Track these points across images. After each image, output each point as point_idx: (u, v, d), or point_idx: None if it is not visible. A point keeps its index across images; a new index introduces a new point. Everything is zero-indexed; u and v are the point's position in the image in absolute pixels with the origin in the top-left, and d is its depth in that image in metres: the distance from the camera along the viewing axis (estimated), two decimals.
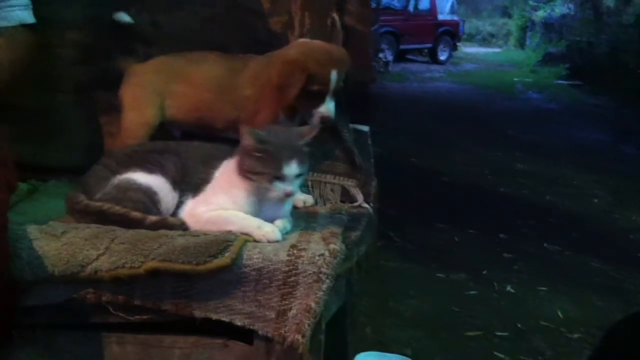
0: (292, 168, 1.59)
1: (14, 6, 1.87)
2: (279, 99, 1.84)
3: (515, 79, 12.90)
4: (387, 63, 12.57)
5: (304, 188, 1.98)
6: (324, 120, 1.81)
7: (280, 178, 1.59)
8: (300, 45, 1.89)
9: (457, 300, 3.04)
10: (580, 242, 4.00)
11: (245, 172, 1.61)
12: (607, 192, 5.20)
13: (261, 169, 1.59)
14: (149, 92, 1.97)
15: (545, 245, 3.89)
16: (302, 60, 1.82)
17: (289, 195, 1.62)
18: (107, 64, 2.09)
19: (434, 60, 15.44)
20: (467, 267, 3.40)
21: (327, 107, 1.81)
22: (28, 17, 1.90)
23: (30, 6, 1.92)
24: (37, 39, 1.94)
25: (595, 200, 5.01)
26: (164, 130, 1.99)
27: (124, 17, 2.03)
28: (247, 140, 1.59)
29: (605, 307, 3.08)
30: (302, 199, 1.94)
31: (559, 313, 2.94)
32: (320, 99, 1.82)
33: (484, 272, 3.37)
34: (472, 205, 4.69)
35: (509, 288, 3.21)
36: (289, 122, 1.87)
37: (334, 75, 1.80)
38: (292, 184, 1.61)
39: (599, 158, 6.49)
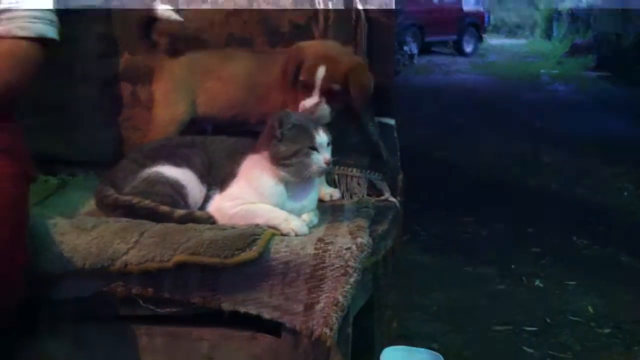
0: (322, 136, 1.63)
1: (38, 18, 1.76)
2: (293, 91, 1.85)
3: (541, 71, 12.76)
4: (412, 56, 12.53)
5: (330, 181, 1.99)
6: (318, 107, 1.81)
7: (315, 148, 1.62)
8: (314, 40, 1.92)
9: (484, 294, 3.02)
10: (609, 235, 3.94)
11: (280, 159, 1.62)
12: (636, 185, 5.12)
13: (295, 148, 1.61)
14: (181, 88, 1.98)
15: (573, 238, 3.85)
16: (301, 49, 1.83)
17: (328, 164, 1.64)
18: (132, 58, 2.11)
19: (459, 52, 15.33)
20: (494, 261, 3.38)
21: (312, 102, 1.81)
22: (50, 32, 1.78)
23: (56, 24, 1.81)
24: (64, 70, 1.92)
25: (624, 194, 4.94)
26: (196, 124, 2.00)
27: (167, 12, 1.99)
28: (273, 126, 1.61)
29: (635, 302, 3.04)
30: (329, 192, 1.94)
31: (589, 308, 2.91)
32: (307, 92, 1.82)
33: (512, 266, 3.35)
34: (499, 198, 4.65)
35: (537, 282, 3.18)
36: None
37: (321, 70, 1.79)
38: (327, 152, 1.64)
39: (627, 150, 6.39)
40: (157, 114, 2.00)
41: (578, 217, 4.27)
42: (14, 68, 1.72)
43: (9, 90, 1.70)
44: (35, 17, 1.76)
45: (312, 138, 1.63)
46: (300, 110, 1.81)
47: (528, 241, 3.76)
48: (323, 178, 1.90)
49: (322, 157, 1.63)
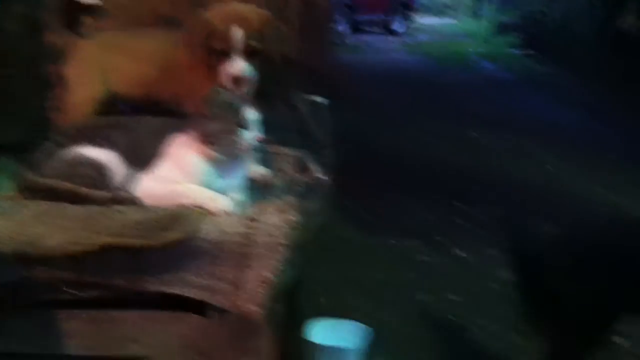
0: (252, 113, 1.63)
1: None
2: (207, 63, 1.83)
3: (469, 50, 12.99)
4: (342, 35, 12.54)
5: (261, 160, 1.98)
6: (237, 81, 1.80)
7: (245, 126, 1.62)
8: (215, 6, 1.88)
9: (412, 266, 3.08)
10: (531, 208, 4.07)
11: (209, 137, 1.61)
12: (559, 160, 5.30)
13: (225, 125, 1.60)
14: (93, 68, 1.94)
15: (496, 211, 3.96)
16: (205, 17, 1.81)
17: (258, 140, 1.64)
18: (54, 38, 2.05)
19: (389, 31, 15.44)
20: (421, 234, 3.45)
21: (237, 67, 1.79)
22: None
23: None
24: None
25: (549, 169, 5.10)
26: (114, 106, 1.97)
27: None
28: (202, 104, 1.60)
29: None
30: (259, 171, 1.94)
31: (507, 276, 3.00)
32: (226, 59, 1.80)
33: (437, 239, 3.42)
34: (428, 176, 4.74)
35: (460, 253, 3.26)
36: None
37: (236, 32, 1.78)
38: (257, 130, 1.64)
39: (553, 127, 6.60)
40: (71, 93, 1.96)
41: (501, 191, 4.39)
42: None
43: None
44: None
45: (241, 116, 1.62)
46: (225, 80, 1.79)
47: (454, 214, 3.85)
48: (253, 156, 1.90)
49: (251, 134, 1.63)
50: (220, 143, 1.62)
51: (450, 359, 2.39)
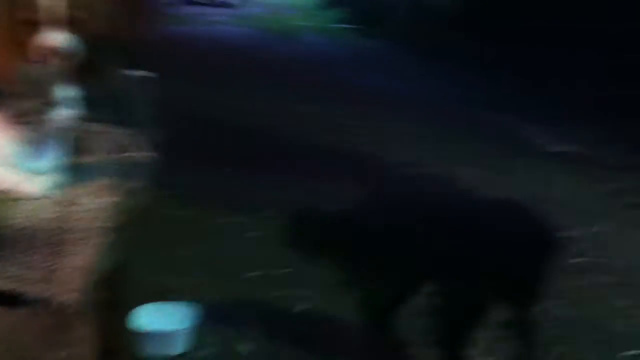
0: (63, 90, 1.55)
1: None
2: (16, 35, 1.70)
3: (298, 23, 13.16)
4: (173, 6, 12.17)
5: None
6: (51, 53, 1.70)
7: (56, 104, 1.53)
8: None
9: (238, 243, 3.10)
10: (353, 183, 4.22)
11: (17, 116, 1.49)
12: (382, 129, 5.54)
13: (34, 103, 1.51)
14: None
15: (326, 187, 4.07)
16: None
17: (70, 120, 1.55)
18: None
19: (221, 3, 15.23)
20: (248, 210, 3.47)
21: (50, 38, 1.70)
22: None
23: None
24: None
25: (385, 142, 5.30)
26: None
27: None
28: (7, 84, 1.48)
29: None
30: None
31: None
32: (36, 29, 1.70)
33: (264, 214, 3.45)
34: (255, 148, 4.77)
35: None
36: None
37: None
38: (69, 108, 1.56)
39: (380, 100, 6.88)
40: None
41: (337, 167, 4.51)
42: None
43: None
44: None
45: (50, 92, 1.52)
46: (48, 58, 1.67)
47: (281, 191, 3.90)
48: (69, 136, 1.79)
49: (67, 113, 1.54)
50: (30, 123, 1.52)
51: (277, 331, 2.44)
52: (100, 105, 1.93)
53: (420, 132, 5.60)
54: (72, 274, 1.39)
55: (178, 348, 2.12)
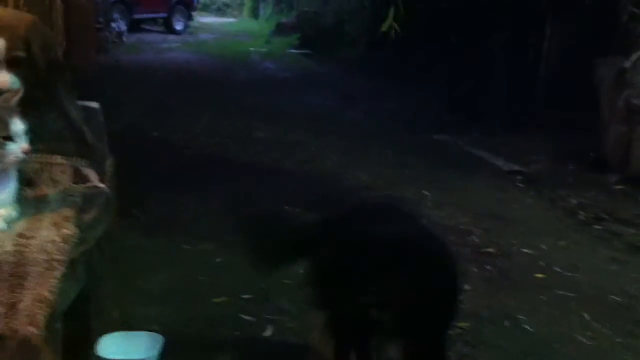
0: (18, 124, 1.54)
1: None
2: None
3: (251, 49, 13.23)
4: (120, 34, 12.12)
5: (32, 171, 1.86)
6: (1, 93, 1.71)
7: (11, 137, 1.52)
8: None
9: (204, 269, 3.08)
10: (317, 202, 4.26)
11: None
12: (339, 154, 5.60)
13: None
14: None
15: (285, 207, 4.09)
16: None
17: (26, 152, 1.55)
18: None
19: (170, 30, 15.22)
20: (213, 236, 3.46)
21: (3, 79, 1.71)
22: None
23: None
24: None
25: (329, 163, 5.37)
26: None
27: None
28: None
29: None
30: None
31: (300, 271, 3.11)
32: None
33: (229, 239, 3.44)
34: (216, 175, 4.76)
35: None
36: None
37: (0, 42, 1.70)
38: (24, 141, 1.55)
39: (329, 123, 6.95)
40: None
41: (290, 187, 4.54)
42: None
43: None
44: None
45: (6, 127, 1.52)
46: None
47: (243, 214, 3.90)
48: (21, 169, 1.78)
49: (18, 146, 1.54)
50: None
51: (246, 357, 2.43)
52: (53, 136, 1.92)
53: (369, 153, 5.70)
54: (32, 307, 1.37)
55: None
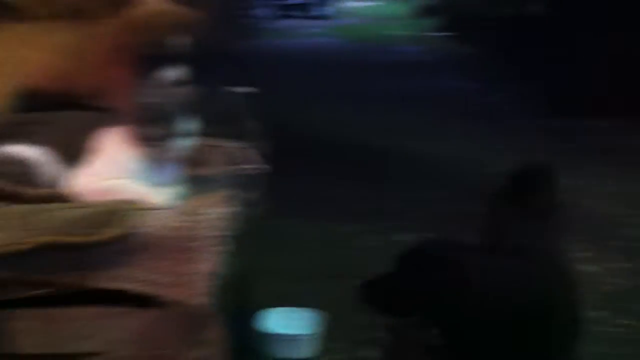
0: (188, 124, 1.65)
1: None
2: (130, 62, 1.82)
3: (393, 32, 13.17)
4: (269, 20, 12.49)
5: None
6: (179, 84, 1.81)
7: (180, 135, 1.63)
8: (142, 7, 1.87)
9: (351, 250, 3.13)
10: (459, 188, 4.20)
11: (143, 140, 1.61)
12: (482, 140, 5.47)
13: (159, 133, 1.60)
14: (5, 61, 1.89)
15: (426, 193, 4.07)
16: (142, 22, 1.81)
17: (190, 149, 1.66)
18: None
19: (316, 15, 15.46)
20: (359, 218, 3.51)
21: (178, 71, 1.81)
22: None
23: None
24: None
25: (469, 148, 5.24)
26: (28, 100, 1.93)
27: None
28: (136, 111, 1.59)
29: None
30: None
31: None
32: (164, 61, 1.81)
33: (376, 222, 3.48)
34: (356, 158, 4.81)
35: (396, 237, 3.33)
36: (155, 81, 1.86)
37: (173, 36, 1.80)
38: (190, 139, 1.65)
39: (471, 107, 6.79)
40: None
41: (431, 173, 4.50)
42: None
43: None
44: None
45: (178, 126, 1.62)
46: (167, 84, 1.79)
47: (388, 198, 3.93)
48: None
49: (184, 143, 1.64)
50: (154, 142, 1.62)
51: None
52: (214, 120, 2.03)
53: (513, 139, 5.49)
54: (199, 279, 1.47)
55: (303, 353, 2.18)
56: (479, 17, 11.33)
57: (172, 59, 1.82)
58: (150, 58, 1.80)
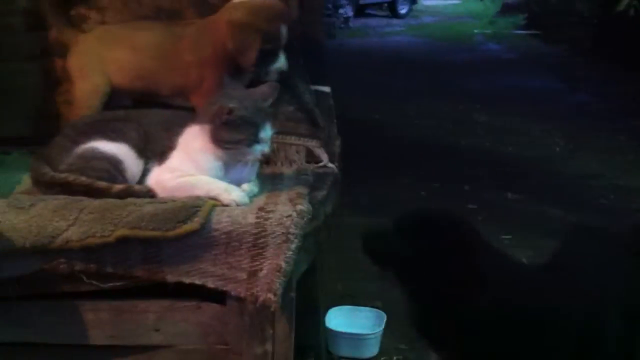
0: (267, 131, 1.66)
1: None
2: (228, 62, 1.85)
3: (474, 31, 12.94)
4: (347, 19, 12.49)
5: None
6: (282, 75, 1.84)
7: (258, 141, 1.65)
8: (242, 6, 1.88)
9: None
10: (540, 190, 4.09)
11: (222, 142, 1.64)
12: (566, 141, 5.31)
13: (239, 137, 1.63)
14: (93, 60, 1.97)
15: (508, 195, 3.98)
16: (253, 20, 1.83)
17: (265, 155, 1.68)
18: (57, 33, 2.09)
19: (394, 14, 15.36)
20: None
21: (282, 62, 1.84)
22: None
23: None
24: None
25: (556, 149, 5.12)
26: (117, 98, 1.99)
27: None
28: (220, 115, 1.62)
29: (564, 253, 3.16)
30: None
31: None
32: (274, 56, 1.84)
33: None
34: (435, 158, 4.75)
35: None
36: (236, 80, 1.89)
37: (283, 30, 1.82)
38: (267, 145, 1.67)
39: (555, 106, 6.60)
40: (76, 87, 1.99)
41: (511, 174, 4.40)
42: None
43: None
44: None
45: (257, 132, 1.65)
46: (275, 77, 1.83)
47: (464, 198, 3.87)
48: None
49: (261, 150, 1.66)
50: (230, 150, 1.65)
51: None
52: (289, 118, 2.05)
53: (599, 139, 5.29)
54: (270, 275, 1.48)
55: (367, 352, 2.18)
56: (564, 14, 11.00)
57: (271, 55, 1.85)
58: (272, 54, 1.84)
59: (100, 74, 1.95)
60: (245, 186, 1.69)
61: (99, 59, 1.96)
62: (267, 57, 1.85)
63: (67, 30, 2.05)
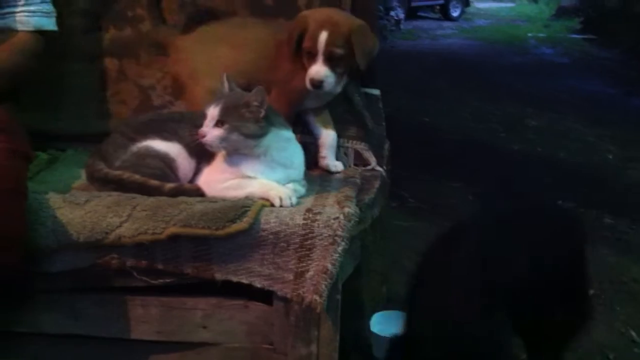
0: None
1: (35, 12, 1.88)
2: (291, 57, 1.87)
3: (528, 34, 12.73)
4: (398, 21, 12.43)
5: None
6: (312, 82, 1.83)
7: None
8: (318, 8, 1.94)
9: None
10: (593, 197, 4.00)
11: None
12: (620, 147, 5.19)
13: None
14: (201, 64, 1.98)
15: (559, 202, 3.91)
16: (303, 16, 1.85)
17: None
18: (119, 33, 2.13)
19: (446, 16, 15.22)
20: None
21: (316, 70, 1.83)
22: (49, 24, 1.91)
23: (54, 14, 1.93)
24: (50, 46, 1.94)
25: (608, 156, 5.00)
26: None
27: None
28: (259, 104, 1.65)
29: (617, 263, 3.10)
30: (334, 164, 1.98)
31: None
32: (312, 59, 1.84)
33: None
34: (485, 162, 4.69)
35: None
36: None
37: (323, 35, 1.81)
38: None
39: (609, 112, 6.44)
40: (189, 91, 2.00)
41: (563, 180, 4.32)
42: (15, 60, 1.83)
43: (9, 81, 1.81)
44: (33, 11, 1.86)
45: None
46: (308, 83, 1.83)
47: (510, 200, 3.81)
48: (332, 149, 1.98)
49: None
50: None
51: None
52: (338, 120, 2.05)
53: None
54: (316, 277, 1.49)
55: None
56: (621, 18, 10.74)
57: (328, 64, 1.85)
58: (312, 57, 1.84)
59: (209, 76, 1.94)
60: (293, 187, 1.70)
61: (205, 61, 1.97)
62: (307, 58, 1.86)
63: (163, 29, 2.10)
